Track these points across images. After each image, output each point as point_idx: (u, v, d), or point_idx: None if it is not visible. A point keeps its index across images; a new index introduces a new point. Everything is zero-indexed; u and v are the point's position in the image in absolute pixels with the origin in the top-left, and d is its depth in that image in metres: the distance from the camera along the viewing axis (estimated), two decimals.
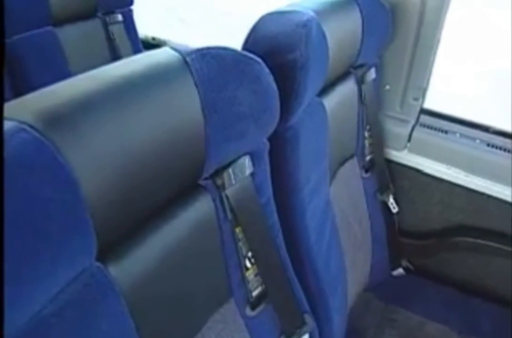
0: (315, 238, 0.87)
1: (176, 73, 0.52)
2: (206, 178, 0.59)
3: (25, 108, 0.43)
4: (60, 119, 0.42)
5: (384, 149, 1.14)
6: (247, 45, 0.77)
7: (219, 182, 0.60)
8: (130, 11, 1.59)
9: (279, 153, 0.77)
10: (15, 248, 0.37)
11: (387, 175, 1.13)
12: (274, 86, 0.63)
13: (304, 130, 0.80)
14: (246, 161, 0.63)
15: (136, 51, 1.59)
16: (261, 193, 0.68)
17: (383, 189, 1.12)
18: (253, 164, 0.64)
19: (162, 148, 0.50)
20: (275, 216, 0.73)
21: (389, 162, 1.16)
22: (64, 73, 1.42)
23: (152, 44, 1.70)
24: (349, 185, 1.02)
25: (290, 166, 0.81)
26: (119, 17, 1.54)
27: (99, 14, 1.52)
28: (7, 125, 0.39)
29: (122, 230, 0.49)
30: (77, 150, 0.42)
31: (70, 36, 1.44)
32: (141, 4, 1.64)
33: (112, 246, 0.48)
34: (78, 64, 1.45)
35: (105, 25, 1.52)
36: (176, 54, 0.53)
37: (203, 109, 0.53)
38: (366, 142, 1.06)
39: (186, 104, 0.52)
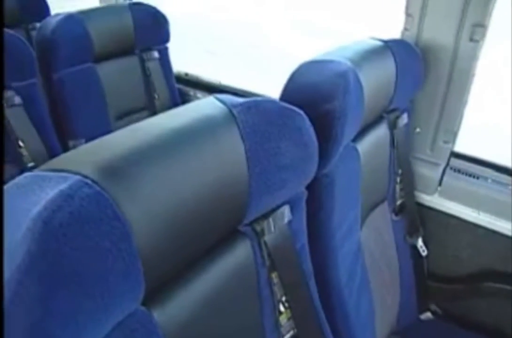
0: (346, 282, 0.87)
1: (223, 125, 0.54)
2: (246, 225, 0.61)
3: (86, 161, 0.45)
4: (118, 172, 0.45)
5: (414, 192, 1.15)
6: (286, 92, 0.80)
7: (258, 229, 0.62)
8: (166, 48, 1.66)
9: (315, 199, 0.79)
10: (72, 295, 0.39)
11: (416, 219, 1.13)
12: (314, 137, 0.65)
13: (339, 176, 0.82)
14: (286, 210, 0.65)
15: (170, 86, 1.66)
16: (297, 239, 0.69)
17: (412, 232, 1.12)
18: (291, 212, 0.66)
19: (208, 196, 0.52)
20: (309, 260, 0.74)
21: (419, 205, 1.16)
22: (101, 105, 1.49)
23: (185, 79, 1.76)
24: (379, 228, 1.02)
25: (325, 212, 0.82)
26: (156, 54, 1.61)
27: (137, 51, 1.59)
28: (73, 179, 0.42)
29: (166, 276, 0.51)
30: (131, 202, 0.44)
31: (109, 71, 1.51)
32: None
33: (156, 291, 0.49)
34: (114, 98, 1.53)
35: (142, 62, 1.59)
36: (222, 106, 0.56)
37: (247, 160, 0.55)
38: (397, 186, 1.07)
39: (232, 155, 0.54)
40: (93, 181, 0.42)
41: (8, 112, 1.24)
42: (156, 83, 1.61)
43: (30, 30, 2.17)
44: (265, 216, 0.62)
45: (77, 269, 0.39)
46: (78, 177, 0.42)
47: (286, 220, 0.65)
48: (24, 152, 1.27)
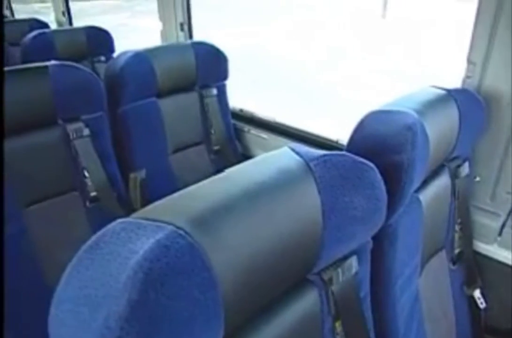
0: (403, 332, 0.86)
1: (301, 178, 0.57)
2: (314, 273, 0.62)
3: (177, 212, 0.48)
4: (206, 223, 0.47)
5: (473, 241, 1.12)
6: (353, 142, 0.82)
7: (326, 278, 0.63)
8: (224, 85, 1.72)
9: (378, 248, 0.79)
10: None
11: (475, 269, 1.10)
12: (384, 191, 0.66)
13: (402, 226, 0.82)
14: (354, 261, 0.66)
15: (226, 122, 1.71)
16: (361, 288, 0.70)
17: (470, 282, 1.09)
18: (358, 262, 0.67)
19: (283, 246, 0.54)
20: (370, 309, 0.74)
21: (478, 255, 1.13)
22: (161, 138, 1.56)
23: (240, 115, 1.81)
24: (436, 277, 1.01)
25: (387, 261, 0.83)
26: (214, 91, 1.67)
27: (197, 88, 1.65)
28: (167, 229, 0.44)
29: (240, 320, 0.53)
30: (217, 252, 0.46)
31: (170, 106, 1.58)
32: None
33: (230, 335, 0.51)
34: (173, 131, 1.59)
35: (201, 98, 1.65)
36: (299, 158, 0.58)
37: (323, 213, 0.57)
38: (456, 235, 1.05)
39: (308, 208, 0.56)
40: (185, 232, 0.45)
41: (76, 143, 1.31)
42: (213, 118, 1.66)
43: (95, 63, 2.32)
44: (333, 265, 0.63)
45: (171, 317, 0.41)
46: (171, 227, 0.45)
47: (354, 271, 0.66)
48: (88, 181, 1.34)
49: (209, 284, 0.44)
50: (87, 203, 1.34)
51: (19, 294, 1.19)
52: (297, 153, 0.59)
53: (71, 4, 3.06)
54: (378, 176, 0.65)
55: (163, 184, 1.55)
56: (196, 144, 1.67)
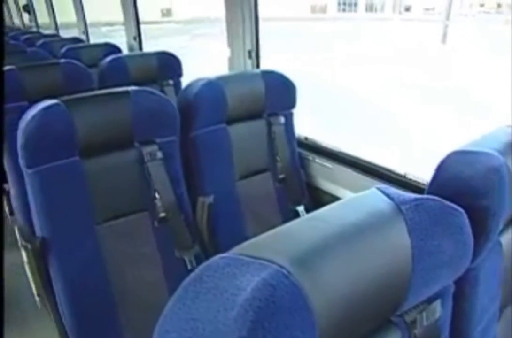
0: None
1: (391, 221, 0.57)
2: (397, 315, 0.61)
3: (278, 250, 0.49)
4: (306, 263, 0.48)
5: None
6: (435, 183, 0.80)
7: (410, 320, 0.62)
8: (291, 114, 1.74)
9: (459, 293, 0.77)
10: None
11: None
12: (471, 235, 0.65)
13: (483, 270, 0.80)
14: (438, 305, 0.65)
15: (292, 150, 1.72)
16: (442, 331, 0.68)
17: None
18: (441, 305, 0.66)
19: (374, 286, 0.53)
20: None
21: None
22: (228, 164, 1.59)
23: (304, 144, 1.83)
24: None
25: (468, 306, 0.80)
26: (282, 119, 1.69)
27: (265, 115, 1.68)
28: (271, 268, 0.45)
29: None
30: (316, 291, 0.47)
31: (238, 132, 1.62)
32: None
33: None
34: (240, 157, 1.62)
35: (269, 125, 1.68)
36: (390, 201, 0.59)
37: (412, 257, 0.57)
38: None
39: (398, 249, 0.56)
40: (288, 271, 0.46)
41: (150, 165, 1.37)
42: (279, 146, 1.69)
43: (164, 86, 2.42)
44: (416, 308, 0.63)
45: None
46: (275, 266, 0.46)
47: (437, 315, 0.65)
48: (158, 203, 1.38)
49: (309, 324, 0.45)
50: (156, 223, 1.39)
51: (87, 301, 1.27)
52: (388, 195, 0.60)
53: None
54: (467, 220, 0.64)
55: (229, 209, 1.57)
56: (262, 171, 1.69)
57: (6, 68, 1.93)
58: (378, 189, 0.62)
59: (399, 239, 0.56)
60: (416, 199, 0.60)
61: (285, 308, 0.43)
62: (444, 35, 9.29)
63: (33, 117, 1.22)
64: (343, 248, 0.52)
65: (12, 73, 1.92)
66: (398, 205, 0.58)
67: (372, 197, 0.61)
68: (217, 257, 0.49)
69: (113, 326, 1.31)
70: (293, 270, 0.46)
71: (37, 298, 1.90)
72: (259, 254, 0.48)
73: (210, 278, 0.47)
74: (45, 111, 1.23)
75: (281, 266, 0.46)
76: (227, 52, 2.14)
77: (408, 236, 0.57)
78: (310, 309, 0.45)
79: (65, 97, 1.34)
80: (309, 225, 0.56)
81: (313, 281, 0.47)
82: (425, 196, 0.62)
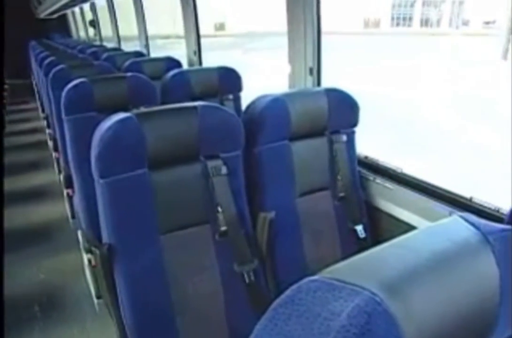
0: None
1: (479, 251, 0.56)
2: None
3: (369, 277, 0.49)
4: (397, 290, 0.47)
5: None
6: None
7: None
8: (353, 132, 1.73)
9: None
10: None
11: None
12: None
13: None
14: None
15: (352, 169, 1.71)
16: None
17: None
18: None
19: (460, 318, 0.52)
20: None
21: None
22: (290, 181, 1.60)
23: (364, 162, 1.81)
24: None
25: None
26: (344, 138, 1.68)
27: (327, 133, 1.68)
28: (364, 295, 0.45)
29: None
30: (407, 320, 0.46)
31: (301, 149, 1.63)
32: None
33: None
34: (302, 174, 1.63)
35: (331, 143, 1.68)
36: (475, 230, 0.57)
37: (501, 291, 0.55)
38: None
39: (486, 281, 0.55)
40: (380, 299, 0.45)
41: (214, 180, 1.40)
42: (340, 164, 1.68)
43: (224, 101, 2.47)
44: None
45: None
46: (368, 293, 0.45)
47: None
48: (220, 216, 1.41)
49: None
50: (216, 236, 1.41)
51: (148, 306, 1.32)
52: (472, 224, 0.59)
53: None
54: None
55: (288, 226, 1.58)
56: (322, 189, 1.69)
57: (80, 80, 2.04)
58: (461, 217, 0.61)
59: (487, 269, 0.55)
60: (503, 230, 0.59)
61: (379, 336, 0.43)
62: (505, 51, 8.97)
63: (108, 128, 1.27)
64: (432, 277, 0.51)
65: (85, 84, 2.03)
66: (485, 235, 0.57)
67: (454, 226, 0.60)
68: (307, 280, 0.50)
69: (171, 334, 1.34)
70: (385, 297, 0.46)
71: (95, 301, 1.98)
72: (350, 279, 0.48)
73: (302, 301, 0.47)
74: (120, 124, 1.29)
75: (374, 293, 0.46)
76: (287, 68, 2.17)
77: (496, 267, 0.55)
78: None
79: (136, 111, 1.40)
80: (396, 252, 0.55)
81: (405, 310, 0.47)
82: (509, 226, 0.60)
